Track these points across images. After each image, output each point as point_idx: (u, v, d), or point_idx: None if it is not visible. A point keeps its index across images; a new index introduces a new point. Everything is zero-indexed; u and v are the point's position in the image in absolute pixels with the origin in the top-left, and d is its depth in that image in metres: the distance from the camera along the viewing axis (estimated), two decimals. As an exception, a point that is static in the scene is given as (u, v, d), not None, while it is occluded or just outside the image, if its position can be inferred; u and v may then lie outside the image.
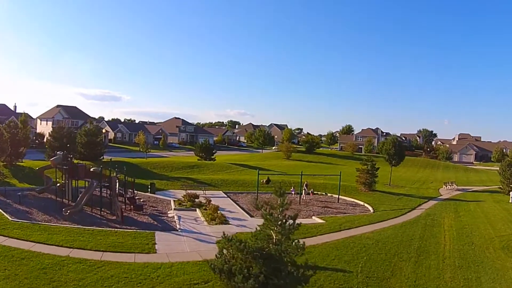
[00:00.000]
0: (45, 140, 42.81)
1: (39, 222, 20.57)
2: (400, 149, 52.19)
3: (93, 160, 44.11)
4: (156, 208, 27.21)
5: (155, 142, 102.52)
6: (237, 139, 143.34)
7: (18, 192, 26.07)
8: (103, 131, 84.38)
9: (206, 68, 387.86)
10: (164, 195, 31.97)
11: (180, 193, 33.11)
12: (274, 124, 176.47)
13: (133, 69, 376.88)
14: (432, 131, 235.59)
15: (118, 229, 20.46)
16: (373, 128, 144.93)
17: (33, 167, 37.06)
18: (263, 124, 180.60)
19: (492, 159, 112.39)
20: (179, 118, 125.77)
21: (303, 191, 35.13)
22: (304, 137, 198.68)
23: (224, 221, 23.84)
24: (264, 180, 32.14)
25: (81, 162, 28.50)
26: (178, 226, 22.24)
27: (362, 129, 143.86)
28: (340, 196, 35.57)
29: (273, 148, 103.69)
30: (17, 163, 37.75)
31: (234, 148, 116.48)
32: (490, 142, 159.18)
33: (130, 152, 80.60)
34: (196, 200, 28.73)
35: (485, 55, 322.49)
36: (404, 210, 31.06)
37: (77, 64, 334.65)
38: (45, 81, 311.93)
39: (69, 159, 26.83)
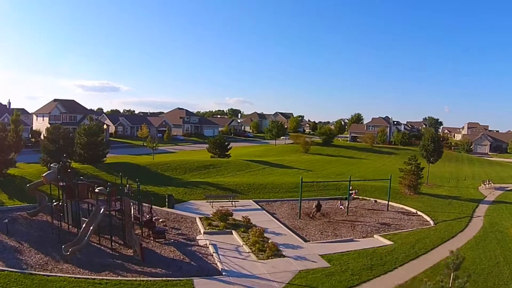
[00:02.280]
0: (40, 141, 36.73)
1: (32, 272, 14.83)
2: (439, 145, 48.59)
3: (95, 163, 38.32)
4: (180, 231, 21.56)
5: (159, 134, 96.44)
6: (243, 129, 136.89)
7: (5, 219, 20.28)
8: (104, 126, 78.30)
9: (204, 56, 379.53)
10: (186, 210, 26.20)
11: (203, 206, 27.50)
12: (279, 113, 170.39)
13: (131, 59, 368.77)
14: (438, 119, 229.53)
15: (141, 276, 14.82)
16: (384, 117, 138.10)
17: (27, 176, 31.30)
18: (266, 113, 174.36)
19: (508, 151, 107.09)
20: (182, 109, 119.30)
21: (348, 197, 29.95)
22: (308, 124, 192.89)
23: (276, 251, 18.19)
24: (314, 205, 26.80)
25: (82, 178, 22.36)
26: (219, 264, 16.54)
27: (373, 118, 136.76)
28: (385, 202, 30.99)
29: (281, 138, 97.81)
30: (7, 172, 31.88)
31: (241, 139, 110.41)
32: (498, 131, 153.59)
33: (133, 147, 74.76)
34: (230, 218, 23.07)
35: (486, 41, 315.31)
36: (464, 220, 27.32)
37: (76, 55, 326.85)
38: (43, 74, 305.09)
39: (67, 166, 21.16)
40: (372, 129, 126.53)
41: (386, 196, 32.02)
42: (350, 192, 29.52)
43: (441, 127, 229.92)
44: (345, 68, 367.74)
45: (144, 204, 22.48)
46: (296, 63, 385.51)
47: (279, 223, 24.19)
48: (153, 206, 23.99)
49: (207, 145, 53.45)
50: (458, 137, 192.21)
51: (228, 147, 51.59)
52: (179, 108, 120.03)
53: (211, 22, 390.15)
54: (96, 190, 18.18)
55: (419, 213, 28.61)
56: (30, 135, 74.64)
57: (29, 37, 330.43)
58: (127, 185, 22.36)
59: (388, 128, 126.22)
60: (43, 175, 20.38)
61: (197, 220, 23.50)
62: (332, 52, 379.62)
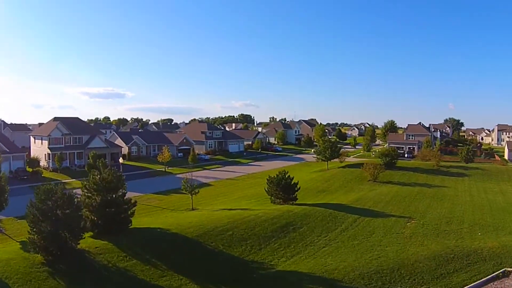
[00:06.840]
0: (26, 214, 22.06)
1: None
2: None
3: (116, 234, 23.94)
4: None
5: (179, 154, 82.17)
6: (268, 141, 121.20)
7: None
8: (120, 158, 63.87)
9: (208, 59, 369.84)
10: None
11: None
12: (303, 121, 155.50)
13: (135, 65, 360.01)
14: (459, 120, 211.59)
15: None
16: (418, 123, 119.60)
17: (9, 278, 17.03)
18: (287, 120, 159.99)
19: None
20: (203, 122, 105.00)
21: None
22: (326, 130, 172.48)
23: None
24: None
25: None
26: None
27: (409, 125, 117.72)
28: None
29: (313, 151, 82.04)
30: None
31: (271, 155, 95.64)
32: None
33: (154, 177, 59.99)
34: None
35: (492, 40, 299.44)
36: None
37: (81, 62, 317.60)
38: (48, 82, 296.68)
39: None
40: (412, 138, 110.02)
41: None
42: None
43: (465, 128, 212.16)
44: (353, 71, 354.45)
45: None
46: (297, 64, 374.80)
47: None
48: None
49: (266, 186, 37.59)
50: (487, 140, 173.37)
51: (296, 188, 36.47)
52: (200, 122, 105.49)
53: (216, 26, 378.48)
54: None
55: None
56: (26, 163, 60.21)
57: (34, 44, 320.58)
58: None
59: (431, 137, 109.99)
60: None
61: None
62: (337, 54, 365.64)
